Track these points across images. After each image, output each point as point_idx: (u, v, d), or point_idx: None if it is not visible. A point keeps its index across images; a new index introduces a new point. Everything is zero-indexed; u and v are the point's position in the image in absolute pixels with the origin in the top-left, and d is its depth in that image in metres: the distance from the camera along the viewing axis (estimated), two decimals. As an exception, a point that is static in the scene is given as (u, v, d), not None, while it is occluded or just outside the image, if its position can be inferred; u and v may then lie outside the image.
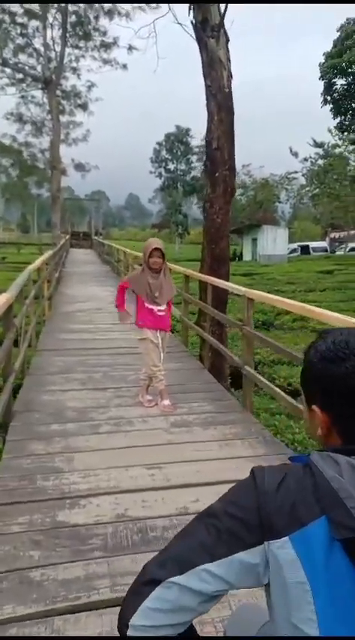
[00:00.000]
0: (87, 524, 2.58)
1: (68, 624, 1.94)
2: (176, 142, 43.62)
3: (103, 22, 20.25)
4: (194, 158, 45.29)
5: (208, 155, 6.15)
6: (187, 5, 6.08)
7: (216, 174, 6.04)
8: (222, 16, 5.84)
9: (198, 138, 47.00)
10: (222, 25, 5.87)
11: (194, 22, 6.00)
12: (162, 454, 3.36)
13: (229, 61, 6.02)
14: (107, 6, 18.91)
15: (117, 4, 18.76)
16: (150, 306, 4.19)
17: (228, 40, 6.01)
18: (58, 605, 2.03)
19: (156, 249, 4.16)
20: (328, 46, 21.91)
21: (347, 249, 43.28)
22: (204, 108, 6.06)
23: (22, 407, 4.22)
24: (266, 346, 4.26)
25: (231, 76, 6.05)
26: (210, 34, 5.83)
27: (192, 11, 6.01)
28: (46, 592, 2.09)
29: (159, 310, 4.22)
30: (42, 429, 3.79)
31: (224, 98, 5.99)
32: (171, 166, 44.34)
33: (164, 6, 7.77)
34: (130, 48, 19.33)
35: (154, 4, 16.30)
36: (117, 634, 0.86)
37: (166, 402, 4.24)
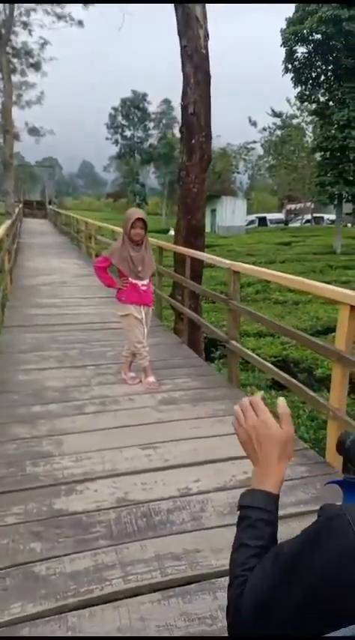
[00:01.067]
0: (87, 511, 2.45)
1: (83, 620, 1.83)
2: (132, 107, 42.19)
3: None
4: (151, 125, 44.15)
5: (184, 120, 5.88)
6: None
7: (193, 141, 5.80)
8: (199, -31, 5.49)
9: (154, 104, 45.77)
10: (198, -21, 5.52)
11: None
12: (155, 433, 3.26)
13: (206, 19, 5.71)
14: None
15: None
16: (134, 281, 4.00)
17: (205, -3, 5.68)
18: (70, 600, 1.91)
19: (139, 219, 3.95)
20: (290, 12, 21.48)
21: (303, 221, 44.05)
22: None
23: (-3, 388, 3.98)
24: (256, 320, 4.21)
25: (208, 36, 5.76)
26: (185, -12, 5.48)
27: None
28: (54, 587, 1.97)
29: (142, 285, 4.04)
30: (22, 410, 3.59)
31: (201, 59, 5.70)
32: (128, 133, 43.01)
33: None
34: (85, 1, 18.12)
35: None
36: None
37: (151, 379, 4.12)
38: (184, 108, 5.86)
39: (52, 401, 3.76)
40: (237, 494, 2.74)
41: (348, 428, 2.73)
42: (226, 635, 1.77)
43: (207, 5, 5.77)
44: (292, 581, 0.68)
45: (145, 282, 4.07)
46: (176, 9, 5.75)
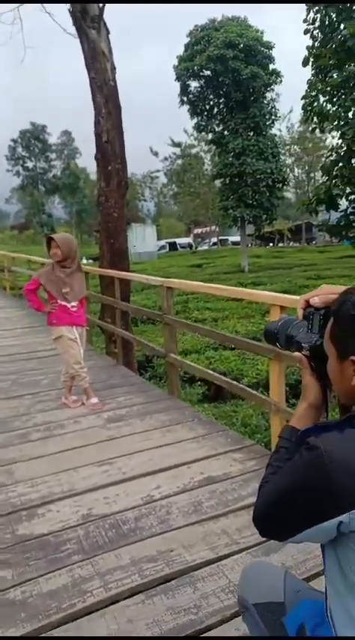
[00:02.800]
0: (53, 531, 2.42)
1: (70, 633, 1.82)
2: (32, 138, 41.70)
3: None
4: (53, 156, 43.91)
5: (99, 148, 6.05)
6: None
7: (109, 168, 5.98)
8: (102, 8, 5.78)
9: (54, 135, 45.71)
10: (101, 16, 5.81)
11: (72, 10, 5.83)
12: (108, 449, 3.28)
13: (111, 53, 5.99)
14: None
15: None
16: (63, 303, 4.01)
17: (108, 33, 5.97)
18: (53, 617, 1.89)
19: (49, 239, 4.01)
20: (177, 51, 22.89)
21: (210, 244, 46.11)
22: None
23: None
24: (193, 331, 4.39)
25: (115, 69, 6.03)
26: (91, 25, 5.73)
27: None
28: (33, 608, 1.93)
29: (72, 307, 4.05)
30: None
31: (110, 91, 5.94)
32: (30, 164, 42.34)
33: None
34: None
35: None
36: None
37: (94, 399, 4.12)
38: (98, 136, 6.04)
39: (-6, 433, 3.62)
40: (198, 495, 2.88)
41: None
42: (213, 620, 1.87)
43: (111, 39, 6.07)
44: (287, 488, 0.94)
45: (75, 303, 4.07)
46: (82, 43, 5.97)
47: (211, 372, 3.79)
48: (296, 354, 1.12)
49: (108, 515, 2.53)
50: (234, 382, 3.53)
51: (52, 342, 4.25)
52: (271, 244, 44.76)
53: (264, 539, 2.29)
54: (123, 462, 3.10)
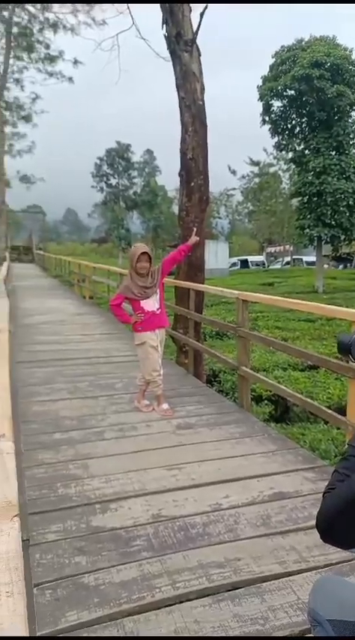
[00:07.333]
0: (124, 527, 2.51)
1: (140, 624, 1.88)
2: (117, 157, 43.81)
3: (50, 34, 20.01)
4: (135, 173, 45.74)
5: (183, 165, 6.27)
6: (159, 20, 6.22)
7: (192, 184, 6.17)
8: (196, 31, 6.04)
9: (138, 154, 47.69)
10: (194, 39, 6.06)
11: (167, 35, 6.15)
12: (178, 455, 3.35)
13: (201, 74, 6.22)
14: (52, 18, 18.80)
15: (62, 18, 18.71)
16: (149, 309, 4.17)
17: (199, 54, 6.21)
18: (124, 606, 1.96)
19: (143, 253, 4.17)
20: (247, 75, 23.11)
21: (283, 263, 45.34)
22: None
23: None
24: (267, 344, 4.39)
25: (204, 89, 6.25)
26: (183, 48, 6.00)
27: (165, 25, 6.16)
28: (106, 595, 2.02)
29: (157, 309, 4.21)
30: (44, 438, 3.64)
31: (197, 110, 6.16)
32: (113, 181, 44.41)
33: (127, 20, 7.87)
34: (76, 62, 19.25)
35: (101, 22, 16.47)
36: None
37: (165, 406, 4.22)
38: (183, 154, 6.25)
39: (71, 428, 3.82)
40: (267, 509, 2.85)
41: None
42: (280, 634, 1.84)
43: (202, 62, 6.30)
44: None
45: (158, 305, 4.20)
46: (174, 66, 6.26)
47: (284, 387, 3.74)
48: None
49: (177, 518, 2.59)
50: (309, 400, 3.46)
51: (135, 347, 4.41)
52: (349, 265, 43.12)
53: (335, 560, 2.24)
54: (192, 468, 3.15)
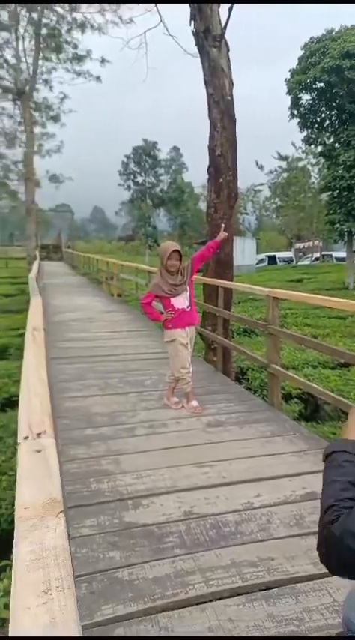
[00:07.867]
0: (157, 523, 2.53)
1: (174, 620, 1.89)
2: (144, 155, 43.95)
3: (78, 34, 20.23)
4: (161, 171, 45.80)
5: (212, 161, 6.23)
6: (186, 17, 6.20)
7: (221, 180, 6.13)
8: (224, 27, 5.99)
9: (164, 151, 47.74)
10: (223, 35, 6.01)
11: (196, 31, 6.12)
12: (208, 452, 3.35)
13: (230, 69, 6.17)
14: (79, 19, 19.01)
15: (89, 18, 18.89)
16: (178, 306, 4.17)
17: (228, 50, 6.16)
18: (158, 602, 1.98)
19: (175, 250, 4.17)
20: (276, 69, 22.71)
21: (312, 259, 44.60)
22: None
23: (47, 414, 4.10)
24: (298, 342, 4.33)
25: (233, 85, 6.20)
26: (212, 44, 5.96)
27: (193, 22, 6.14)
28: (140, 590, 2.04)
29: (187, 307, 4.21)
30: (76, 434, 3.70)
31: (226, 106, 6.11)
32: (140, 179, 44.59)
33: (154, 18, 7.90)
34: (103, 61, 19.40)
35: (129, 21, 16.55)
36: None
37: (194, 403, 4.22)
38: (211, 150, 6.22)
39: (103, 425, 3.87)
40: (300, 508, 2.82)
41: None
42: (314, 635, 1.81)
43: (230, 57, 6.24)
44: None
45: (188, 302, 4.20)
46: (202, 62, 6.23)
47: (315, 385, 3.68)
48: None
49: (209, 515, 2.59)
50: (342, 398, 3.40)
51: (164, 344, 4.42)
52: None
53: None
54: (223, 466, 3.14)
